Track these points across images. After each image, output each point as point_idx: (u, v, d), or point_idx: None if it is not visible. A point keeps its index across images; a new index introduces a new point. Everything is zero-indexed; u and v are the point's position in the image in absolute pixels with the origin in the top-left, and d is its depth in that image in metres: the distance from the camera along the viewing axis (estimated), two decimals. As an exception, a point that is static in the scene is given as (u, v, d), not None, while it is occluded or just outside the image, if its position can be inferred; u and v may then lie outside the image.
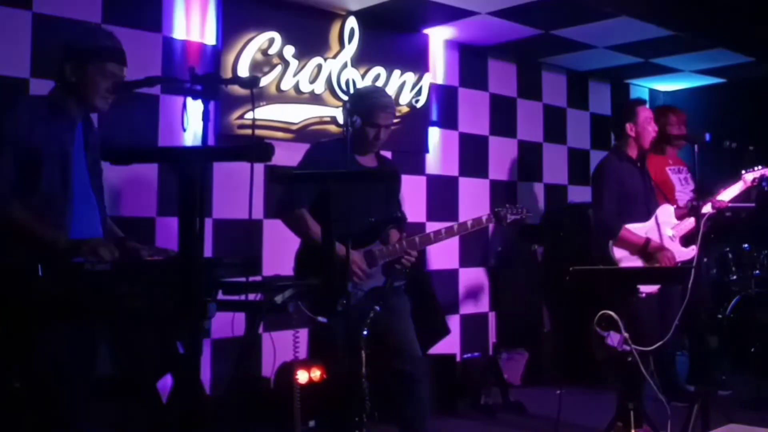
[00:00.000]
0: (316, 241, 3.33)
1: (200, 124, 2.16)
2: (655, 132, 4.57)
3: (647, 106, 4.68)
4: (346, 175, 3.25)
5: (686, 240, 4.50)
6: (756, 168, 4.63)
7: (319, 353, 3.38)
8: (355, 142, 3.45)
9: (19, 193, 2.57)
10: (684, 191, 5.07)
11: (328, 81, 5.10)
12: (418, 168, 5.73)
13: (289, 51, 4.88)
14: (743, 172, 4.64)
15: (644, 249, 4.34)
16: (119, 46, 2.75)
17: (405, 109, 5.57)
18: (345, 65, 5.18)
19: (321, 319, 3.10)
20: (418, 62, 5.67)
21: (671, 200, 4.85)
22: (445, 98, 5.96)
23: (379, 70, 5.37)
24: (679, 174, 5.17)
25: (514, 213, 3.72)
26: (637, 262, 4.35)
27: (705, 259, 5.49)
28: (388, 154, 5.51)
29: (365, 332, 3.30)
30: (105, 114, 2.86)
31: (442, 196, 5.79)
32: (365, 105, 3.46)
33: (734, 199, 4.67)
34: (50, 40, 3.98)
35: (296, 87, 4.94)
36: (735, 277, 5.78)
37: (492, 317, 6.20)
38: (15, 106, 2.64)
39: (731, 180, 4.72)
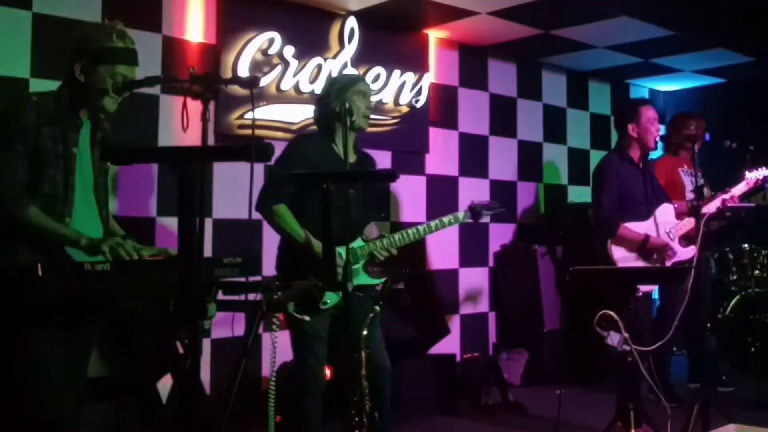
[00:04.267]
0: (294, 238, 3.31)
1: (200, 124, 2.16)
2: (658, 132, 4.56)
3: (651, 106, 4.66)
4: (346, 176, 3.25)
5: (685, 240, 4.49)
6: (759, 168, 4.61)
7: (300, 353, 3.35)
8: (336, 131, 3.44)
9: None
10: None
11: (328, 81, 5.10)
12: (418, 168, 5.73)
13: (289, 51, 4.88)
14: (746, 172, 4.62)
15: (644, 246, 4.34)
16: (132, 47, 2.71)
17: (405, 109, 5.57)
18: (345, 65, 5.18)
19: (306, 317, 3.08)
20: (418, 62, 5.67)
21: (680, 200, 4.82)
22: (445, 98, 5.96)
23: (379, 70, 5.37)
24: (692, 177, 5.14)
25: (487, 210, 3.76)
26: (635, 263, 4.35)
27: (714, 256, 5.49)
28: (386, 153, 5.52)
29: (365, 332, 3.30)
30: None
31: (442, 196, 5.79)
32: (346, 80, 3.48)
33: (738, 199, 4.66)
34: (50, 40, 3.98)
35: (296, 87, 4.94)
36: (735, 277, 5.78)
37: (492, 317, 6.20)
38: (22, 105, 2.62)
39: (732, 180, 4.70)
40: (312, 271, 3.23)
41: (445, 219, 3.63)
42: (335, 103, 3.38)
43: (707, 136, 5.13)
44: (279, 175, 3.31)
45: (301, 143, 3.50)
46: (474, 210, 3.71)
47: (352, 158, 3.47)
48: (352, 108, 3.36)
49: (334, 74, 5.09)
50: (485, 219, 3.79)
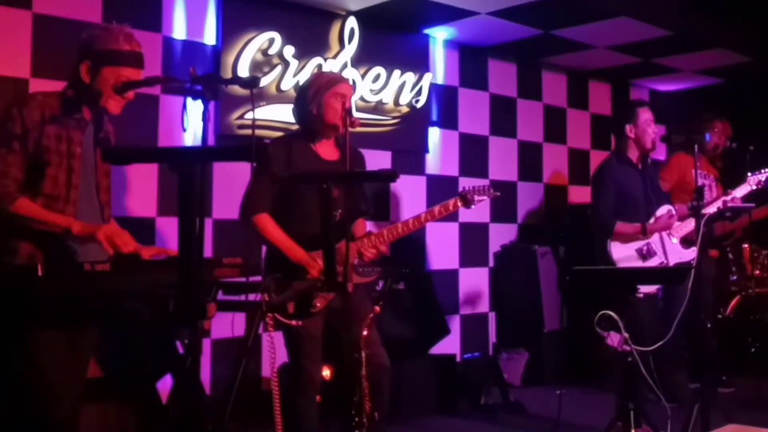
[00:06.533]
0: (278, 247, 3.28)
1: (200, 124, 2.15)
2: (655, 133, 4.56)
3: (648, 107, 4.67)
4: (345, 176, 3.25)
5: (686, 242, 4.49)
6: (762, 170, 4.59)
7: (294, 354, 3.35)
8: (315, 131, 3.42)
9: (23, 193, 2.57)
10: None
11: (328, 81, 5.09)
12: (418, 168, 5.73)
13: (289, 51, 4.89)
14: (749, 174, 4.60)
15: (643, 233, 4.33)
16: (137, 50, 2.72)
17: (405, 109, 5.57)
18: (345, 65, 5.18)
19: (295, 322, 3.07)
20: (418, 62, 5.67)
21: (688, 200, 4.81)
22: (445, 98, 5.96)
23: (379, 70, 5.37)
24: (705, 180, 5.13)
25: (480, 194, 3.64)
26: (635, 263, 4.35)
27: (712, 257, 5.48)
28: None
29: (365, 332, 3.30)
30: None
31: (442, 196, 5.75)
32: (324, 82, 3.39)
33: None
34: (50, 40, 3.98)
35: (296, 87, 4.94)
36: (735, 277, 5.78)
37: (492, 317, 6.20)
38: (27, 103, 2.62)
39: (732, 180, 4.70)
40: (299, 274, 3.21)
41: (435, 209, 3.53)
42: (312, 104, 3.36)
43: (707, 137, 5.13)
44: (259, 183, 3.27)
45: (281, 147, 3.42)
46: (464, 196, 3.60)
47: (333, 157, 3.46)
48: (327, 111, 3.33)
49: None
50: (479, 202, 3.62)
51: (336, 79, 3.44)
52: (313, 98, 3.37)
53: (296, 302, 3.07)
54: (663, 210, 4.52)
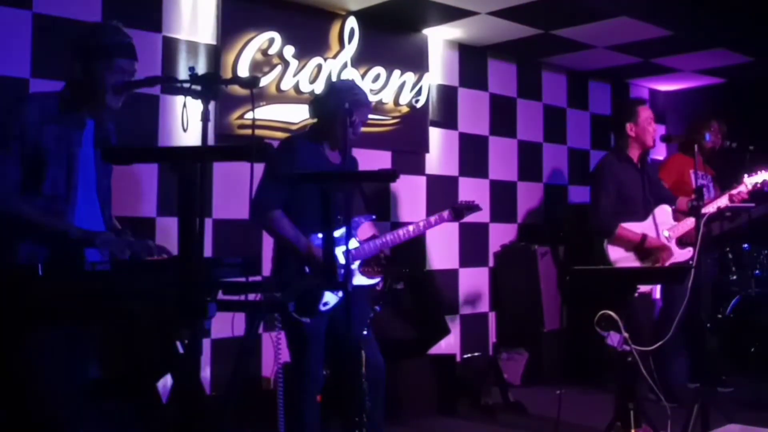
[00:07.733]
0: (292, 244, 3.30)
1: (200, 124, 2.15)
2: (655, 132, 4.57)
3: (648, 106, 4.68)
4: (347, 176, 3.25)
5: (680, 243, 4.49)
6: (758, 171, 4.59)
7: (297, 353, 3.36)
8: (325, 135, 3.44)
9: (23, 194, 2.57)
10: None
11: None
12: (418, 168, 5.73)
13: (289, 51, 4.89)
14: (745, 175, 4.60)
15: (641, 246, 4.34)
16: (127, 41, 2.71)
17: (405, 109, 5.57)
18: (345, 65, 5.19)
19: (305, 319, 3.11)
20: (418, 62, 5.67)
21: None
22: (445, 98, 5.96)
23: (379, 70, 5.37)
24: (703, 180, 5.12)
25: (469, 210, 3.93)
26: (633, 263, 4.35)
27: (709, 260, 5.48)
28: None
29: (365, 332, 3.30)
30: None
31: (442, 196, 5.79)
32: (352, 99, 3.39)
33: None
34: (50, 40, 3.98)
35: (296, 87, 4.94)
36: (735, 277, 5.79)
37: (492, 317, 6.20)
38: (25, 104, 2.62)
39: (733, 181, 4.69)
40: (309, 270, 3.24)
41: (432, 219, 3.78)
42: (331, 112, 3.37)
43: (707, 136, 5.13)
44: (271, 181, 3.29)
45: (290, 147, 3.44)
46: (457, 209, 3.87)
47: (336, 160, 3.48)
48: (342, 126, 3.34)
49: (334, 74, 5.11)
50: (468, 215, 3.97)
51: (363, 102, 3.44)
52: (335, 107, 3.37)
53: (305, 300, 3.10)
54: (662, 210, 4.52)
